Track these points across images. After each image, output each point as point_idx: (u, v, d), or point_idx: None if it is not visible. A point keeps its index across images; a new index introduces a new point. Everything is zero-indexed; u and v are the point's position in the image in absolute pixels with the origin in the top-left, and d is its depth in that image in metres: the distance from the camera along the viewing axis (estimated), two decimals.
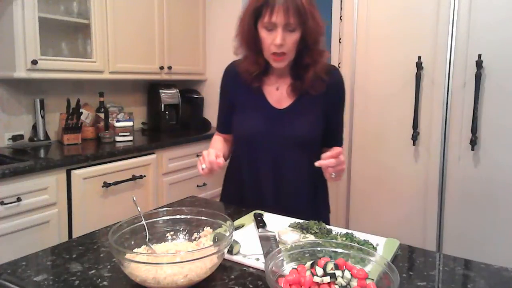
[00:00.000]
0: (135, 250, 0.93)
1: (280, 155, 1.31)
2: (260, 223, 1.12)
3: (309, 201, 1.37)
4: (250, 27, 1.24)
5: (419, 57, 2.06)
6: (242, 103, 1.36)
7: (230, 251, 0.96)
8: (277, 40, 1.18)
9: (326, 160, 1.11)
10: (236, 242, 0.98)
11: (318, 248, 0.86)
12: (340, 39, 2.42)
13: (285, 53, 1.22)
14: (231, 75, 1.39)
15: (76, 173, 2.12)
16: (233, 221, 1.10)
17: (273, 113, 1.31)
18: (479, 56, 1.91)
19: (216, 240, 0.95)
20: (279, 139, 1.30)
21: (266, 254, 0.94)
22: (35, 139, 2.43)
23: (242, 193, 1.37)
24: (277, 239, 1.04)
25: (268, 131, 1.30)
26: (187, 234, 1.02)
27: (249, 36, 1.26)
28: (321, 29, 1.25)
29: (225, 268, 0.91)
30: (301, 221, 1.16)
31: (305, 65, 1.27)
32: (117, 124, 2.62)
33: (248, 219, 1.20)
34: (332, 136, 1.38)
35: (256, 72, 1.30)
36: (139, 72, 2.81)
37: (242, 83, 1.34)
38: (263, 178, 1.33)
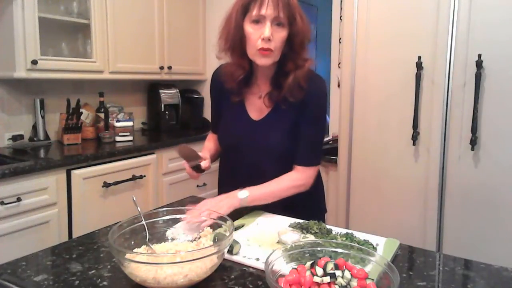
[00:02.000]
0: (135, 250, 0.93)
1: (258, 166, 1.29)
2: None
3: (295, 206, 1.30)
4: (238, 23, 1.19)
5: (419, 57, 2.06)
6: (225, 111, 1.36)
7: (230, 251, 0.96)
8: (266, 32, 1.13)
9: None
10: (236, 242, 0.98)
11: (318, 248, 0.86)
12: (340, 39, 2.42)
13: (272, 50, 1.16)
14: (217, 81, 1.36)
15: (76, 173, 2.11)
16: (233, 221, 1.11)
17: (249, 124, 1.30)
18: (479, 56, 1.91)
19: (216, 240, 0.95)
20: (254, 150, 1.28)
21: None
22: (35, 139, 2.43)
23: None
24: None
25: (243, 143, 1.30)
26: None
27: (236, 35, 1.20)
28: (308, 33, 1.21)
29: (225, 268, 0.91)
30: (301, 221, 1.16)
31: (286, 72, 1.22)
32: (117, 124, 2.62)
33: (248, 219, 1.20)
34: (300, 150, 1.27)
35: (241, 77, 1.25)
36: (139, 72, 2.81)
37: (225, 90, 1.32)
38: (241, 185, 1.27)
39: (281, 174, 1.26)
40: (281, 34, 1.17)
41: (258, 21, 1.16)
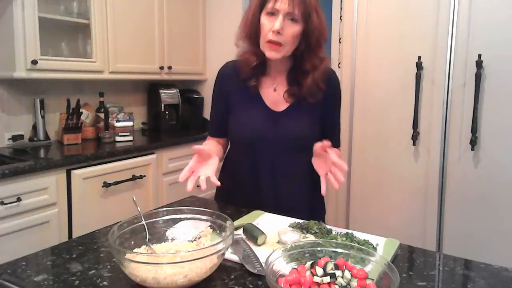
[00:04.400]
0: (135, 250, 0.93)
1: (278, 157, 1.30)
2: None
3: (307, 201, 1.37)
4: (255, 14, 1.23)
5: (419, 57, 2.06)
6: (238, 104, 1.33)
7: (255, 241, 1.02)
8: (276, 25, 1.16)
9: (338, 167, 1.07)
10: (261, 232, 1.03)
11: (318, 248, 0.86)
12: (340, 39, 2.42)
13: (281, 44, 1.19)
14: (227, 75, 1.36)
15: (76, 173, 2.11)
16: (233, 221, 1.10)
17: (270, 115, 1.30)
18: (479, 56, 1.91)
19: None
20: (276, 141, 1.29)
21: (243, 258, 0.94)
22: (35, 139, 2.43)
23: (239, 192, 1.36)
24: (245, 239, 1.05)
25: (265, 134, 1.29)
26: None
27: (252, 25, 1.24)
28: (324, 31, 1.23)
29: (225, 268, 0.91)
30: (301, 221, 1.16)
31: (304, 71, 1.25)
32: (117, 124, 2.62)
33: (248, 219, 1.20)
34: (329, 137, 1.35)
35: (255, 63, 1.27)
36: (139, 72, 2.81)
37: (238, 84, 1.32)
38: (262, 178, 1.32)
39: (304, 164, 1.28)
40: (293, 29, 1.18)
41: (272, 13, 1.19)
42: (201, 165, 1.13)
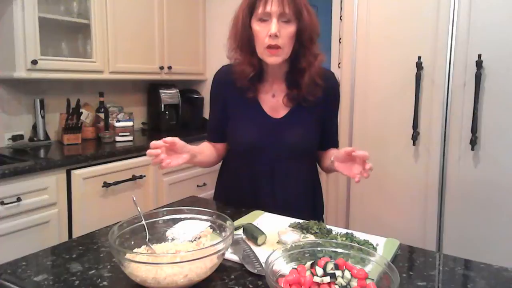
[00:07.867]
0: (135, 250, 0.93)
1: (277, 164, 1.29)
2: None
3: (306, 202, 1.37)
4: (244, 23, 1.21)
5: (419, 57, 2.06)
6: (237, 111, 1.31)
7: (255, 241, 1.02)
8: (272, 29, 1.14)
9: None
10: (261, 232, 1.03)
11: (318, 248, 0.86)
12: (340, 39, 2.42)
13: (280, 47, 1.17)
14: (223, 80, 1.33)
15: (76, 173, 2.11)
16: (233, 221, 1.10)
17: (269, 123, 1.28)
18: (479, 56, 1.91)
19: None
20: (276, 149, 1.27)
21: (243, 258, 0.94)
22: (35, 139, 2.43)
23: (237, 196, 1.35)
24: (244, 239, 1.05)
25: (264, 142, 1.27)
26: None
27: (244, 34, 1.21)
28: (316, 27, 1.22)
29: (225, 268, 0.91)
30: (301, 221, 1.16)
31: (301, 70, 1.23)
32: (117, 124, 2.62)
33: (248, 219, 1.20)
34: (329, 139, 1.37)
35: (251, 74, 1.25)
36: (139, 72, 2.81)
37: (235, 90, 1.29)
38: (260, 184, 1.31)
39: (297, 170, 1.30)
40: (289, 30, 1.17)
41: (264, 18, 1.17)
42: (173, 154, 1.16)
